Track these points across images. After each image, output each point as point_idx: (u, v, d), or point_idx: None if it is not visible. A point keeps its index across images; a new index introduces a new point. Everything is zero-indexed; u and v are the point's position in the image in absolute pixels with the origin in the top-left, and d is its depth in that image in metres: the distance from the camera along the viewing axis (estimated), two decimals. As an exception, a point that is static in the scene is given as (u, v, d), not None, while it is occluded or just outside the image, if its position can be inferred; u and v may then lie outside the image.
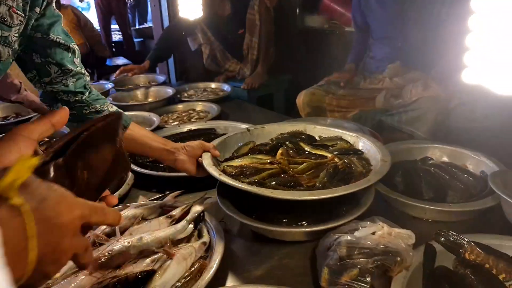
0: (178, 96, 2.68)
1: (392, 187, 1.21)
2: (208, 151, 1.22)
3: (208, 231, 1.05)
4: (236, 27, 3.06)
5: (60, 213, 0.44)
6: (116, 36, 6.26)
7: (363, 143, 1.29)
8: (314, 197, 0.96)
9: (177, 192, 1.23)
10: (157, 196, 1.23)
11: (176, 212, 1.08)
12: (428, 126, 1.86)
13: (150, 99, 2.67)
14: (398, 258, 0.83)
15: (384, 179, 1.08)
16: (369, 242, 0.86)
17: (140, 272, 0.87)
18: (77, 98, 1.13)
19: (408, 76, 2.10)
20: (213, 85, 2.93)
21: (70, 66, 1.07)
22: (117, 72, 2.77)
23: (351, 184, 1.02)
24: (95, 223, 0.52)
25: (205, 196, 1.15)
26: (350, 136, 1.35)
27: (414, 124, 1.90)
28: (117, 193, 1.31)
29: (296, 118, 1.99)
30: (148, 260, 0.90)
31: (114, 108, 1.24)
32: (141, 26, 6.82)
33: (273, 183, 1.09)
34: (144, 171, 1.46)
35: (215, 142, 1.30)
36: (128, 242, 0.92)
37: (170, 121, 2.23)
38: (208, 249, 0.99)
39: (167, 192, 1.25)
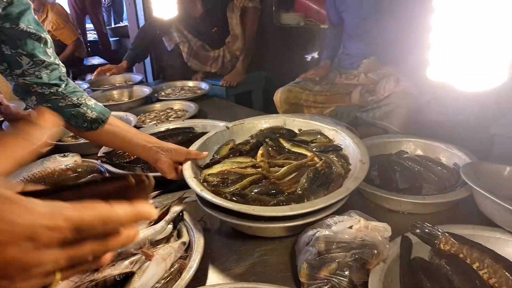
0: (156, 95, 2.65)
1: (368, 181, 1.23)
2: (190, 159, 1.19)
3: (187, 230, 1.05)
4: (210, 26, 3.05)
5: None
6: (92, 36, 6.14)
7: (343, 138, 1.31)
8: (295, 212, 0.96)
9: (155, 193, 1.22)
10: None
11: (154, 213, 1.08)
12: (401, 121, 1.89)
13: (126, 99, 2.63)
14: (375, 251, 0.84)
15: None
16: (346, 236, 0.87)
17: (118, 275, 0.86)
18: (52, 90, 1.08)
19: (381, 71, 2.13)
20: (190, 83, 2.92)
21: (42, 57, 1.03)
22: (94, 74, 2.71)
23: (331, 195, 1.02)
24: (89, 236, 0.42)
25: (183, 196, 1.14)
26: (329, 130, 1.37)
27: (387, 119, 1.93)
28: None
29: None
30: (126, 262, 0.89)
31: (93, 102, 1.19)
32: (117, 25, 6.73)
33: (255, 190, 1.09)
34: (121, 172, 1.44)
35: (195, 145, 1.28)
36: (106, 245, 0.91)
37: (148, 120, 2.21)
38: (188, 248, 0.99)
39: (145, 193, 1.23)
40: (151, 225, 1.04)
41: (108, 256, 0.45)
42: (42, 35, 1.02)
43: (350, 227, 0.90)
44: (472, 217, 1.09)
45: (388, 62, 2.15)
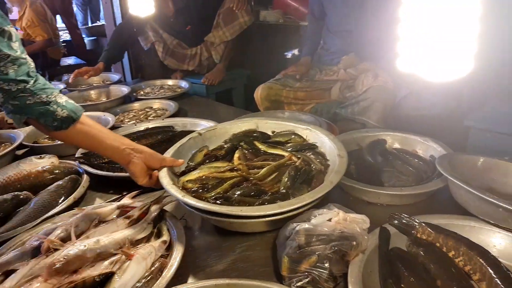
0: (134, 94, 2.63)
1: (347, 175, 1.24)
2: (165, 166, 1.16)
3: (168, 229, 1.04)
4: (184, 24, 3.03)
5: None
6: (67, 36, 6.01)
7: (317, 135, 1.32)
8: (284, 209, 0.96)
9: (134, 192, 1.22)
10: (115, 198, 1.20)
11: (134, 213, 1.07)
12: (378, 115, 1.91)
13: (104, 99, 2.59)
14: (354, 243, 0.86)
15: (339, 167, 1.11)
16: (325, 229, 0.88)
17: (98, 275, 0.85)
18: (19, 87, 1.00)
19: (360, 67, 2.15)
20: (170, 82, 2.90)
21: (6, 51, 0.96)
22: (71, 76, 2.64)
23: (317, 189, 1.02)
24: None
25: (163, 195, 1.13)
26: (302, 130, 1.38)
27: (365, 114, 1.95)
28: (71, 197, 1.27)
29: (252, 113, 2.00)
30: (106, 262, 0.88)
31: (64, 99, 1.10)
32: (93, 24, 6.59)
33: (238, 193, 1.09)
34: (99, 172, 1.42)
35: (169, 153, 1.26)
36: (85, 246, 0.89)
37: (126, 120, 2.18)
38: (169, 247, 0.99)
39: (125, 193, 1.22)
40: (131, 225, 1.03)
41: None
42: (6, 28, 0.96)
43: (330, 220, 0.91)
44: (448, 207, 1.11)
45: (367, 58, 2.17)
